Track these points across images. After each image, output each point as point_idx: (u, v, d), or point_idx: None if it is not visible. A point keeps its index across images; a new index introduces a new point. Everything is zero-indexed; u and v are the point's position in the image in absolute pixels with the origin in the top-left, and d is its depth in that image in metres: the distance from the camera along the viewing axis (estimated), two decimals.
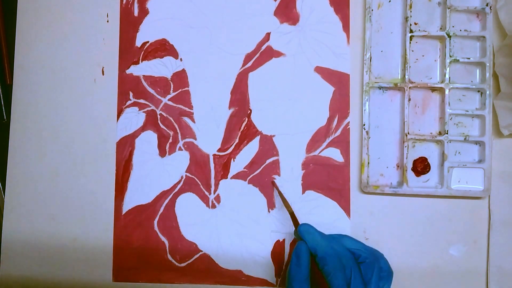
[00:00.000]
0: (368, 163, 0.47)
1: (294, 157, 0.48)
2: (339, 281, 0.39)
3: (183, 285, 0.48)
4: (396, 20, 0.48)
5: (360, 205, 0.47)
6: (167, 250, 0.48)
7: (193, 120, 0.49)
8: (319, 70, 0.49)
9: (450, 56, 0.47)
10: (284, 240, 0.48)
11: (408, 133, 0.47)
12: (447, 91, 0.46)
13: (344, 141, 0.48)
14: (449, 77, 0.47)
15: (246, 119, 0.49)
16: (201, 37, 0.49)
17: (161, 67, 0.50)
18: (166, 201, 0.49)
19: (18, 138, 0.50)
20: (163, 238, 0.49)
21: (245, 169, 0.48)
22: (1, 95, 0.51)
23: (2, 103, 0.51)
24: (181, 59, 0.50)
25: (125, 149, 0.49)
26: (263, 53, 0.49)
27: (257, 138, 0.49)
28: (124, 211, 0.49)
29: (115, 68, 0.50)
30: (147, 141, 0.49)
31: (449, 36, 0.47)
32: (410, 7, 0.47)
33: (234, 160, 0.49)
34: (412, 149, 0.48)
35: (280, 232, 0.48)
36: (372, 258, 0.41)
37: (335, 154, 0.48)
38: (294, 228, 0.44)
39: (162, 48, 0.50)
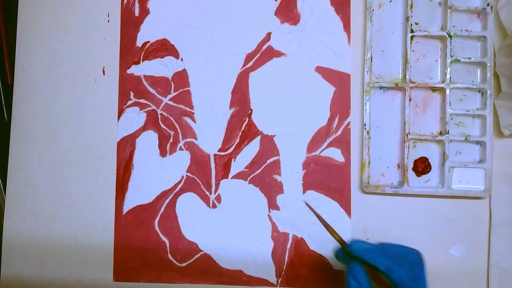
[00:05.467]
0: (369, 163, 0.47)
1: (294, 157, 0.48)
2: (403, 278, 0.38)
3: (184, 285, 0.48)
4: (397, 20, 0.48)
5: (360, 205, 0.47)
6: (168, 250, 0.48)
7: (193, 120, 0.49)
8: (320, 70, 0.49)
9: (451, 56, 0.47)
10: (284, 240, 0.48)
11: (409, 133, 0.47)
12: (448, 91, 0.46)
13: (345, 141, 0.48)
14: (450, 77, 0.47)
15: (247, 119, 0.49)
16: (202, 37, 0.49)
17: (162, 67, 0.50)
18: (167, 201, 0.49)
19: (19, 137, 0.50)
20: (163, 238, 0.49)
21: (245, 169, 0.48)
22: (2, 95, 0.51)
23: (3, 103, 0.51)
24: (181, 59, 0.50)
25: (125, 149, 0.49)
26: (263, 53, 0.49)
27: (258, 138, 0.49)
28: (124, 211, 0.49)
29: (116, 68, 0.50)
30: (148, 141, 0.49)
31: (450, 36, 0.47)
32: (411, 7, 0.47)
33: (234, 160, 0.49)
34: (413, 149, 0.47)
35: (281, 232, 0.48)
36: (418, 257, 0.41)
37: (335, 154, 0.48)
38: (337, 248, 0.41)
39: (163, 48, 0.50)
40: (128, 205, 0.49)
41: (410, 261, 0.40)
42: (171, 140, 0.49)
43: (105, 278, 0.49)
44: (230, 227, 0.48)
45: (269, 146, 0.48)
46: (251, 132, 0.49)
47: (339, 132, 0.48)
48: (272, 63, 0.49)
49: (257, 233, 0.48)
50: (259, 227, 0.48)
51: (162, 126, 0.49)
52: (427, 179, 0.47)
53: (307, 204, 0.43)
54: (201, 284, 0.48)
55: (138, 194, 0.49)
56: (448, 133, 0.46)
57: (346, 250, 0.40)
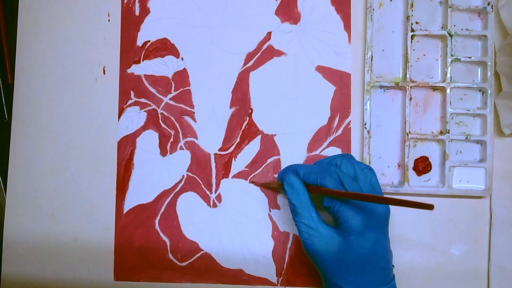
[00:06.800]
0: (369, 162, 0.47)
1: (295, 156, 0.48)
2: (331, 181, 0.39)
3: (184, 284, 0.48)
4: (397, 19, 0.48)
5: None
6: (168, 249, 0.48)
7: (194, 119, 0.49)
8: (320, 69, 0.48)
9: (452, 55, 0.47)
10: (285, 239, 0.48)
11: (409, 132, 0.47)
12: (448, 90, 0.46)
13: (345, 141, 0.48)
14: (451, 76, 0.47)
15: (247, 118, 0.49)
16: (202, 36, 0.49)
17: (162, 66, 0.50)
18: (167, 200, 0.49)
19: (19, 137, 0.50)
20: (164, 237, 0.49)
21: (246, 168, 0.48)
22: (2, 94, 0.51)
23: (4, 102, 0.51)
24: (182, 58, 0.50)
25: (126, 149, 0.49)
26: (264, 53, 0.49)
27: (258, 137, 0.49)
28: (125, 210, 0.49)
29: (116, 67, 0.50)
30: (148, 140, 0.49)
31: (451, 35, 0.47)
32: (412, 6, 0.47)
33: (235, 159, 0.49)
34: (413, 148, 0.47)
35: (281, 231, 0.48)
36: (346, 158, 0.42)
37: (336, 154, 0.48)
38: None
39: (163, 47, 0.50)
40: (128, 205, 0.49)
41: (335, 162, 0.42)
42: (171, 140, 0.49)
43: (105, 277, 0.49)
44: (231, 226, 0.48)
45: (269, 146, 0.48)
46: (251, 131, 0.49)
47: (339, 132, 0.48)
48: (272, 62, 0.49)
49: (257, 233, 0.48)
50: (260, 226, 0.48)
51: (163, 125, 0.49)
52: (427, 179, 0.47)
53: (253, 183, 0.48)
54: (202, 284, 0.48)
55: (139, 194, 0.49)
56: (448, 133, 0.46)
57: (281, 186, 0.43)
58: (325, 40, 0.49)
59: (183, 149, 0.49)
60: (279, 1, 0.49)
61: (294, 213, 0.41)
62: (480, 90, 0.47)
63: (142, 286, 0.49)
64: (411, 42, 0.47)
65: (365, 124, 0.47)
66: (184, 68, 0.49)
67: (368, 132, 0.47)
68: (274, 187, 0.47)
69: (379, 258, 0.40)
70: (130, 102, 0.50)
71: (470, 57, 0.46)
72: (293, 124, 0.48)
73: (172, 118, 0.49)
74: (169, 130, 0.49)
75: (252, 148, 0.49)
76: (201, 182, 0.49)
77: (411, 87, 0.47)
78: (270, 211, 0.48)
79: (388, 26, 0.48)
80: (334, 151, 0.48)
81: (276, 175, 0.48)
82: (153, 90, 0.50)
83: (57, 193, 0.50)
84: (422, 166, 0.47)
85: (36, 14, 0.51)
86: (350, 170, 0.41)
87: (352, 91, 0.48)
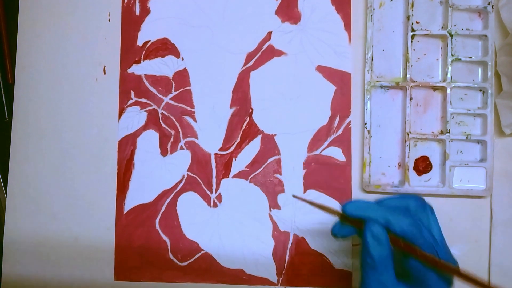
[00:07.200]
0: (370, 162, 0.47)
1: (295, 156, 0.48)
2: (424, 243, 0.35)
3: (185, 284, 0.48)
4: (398, 19, 0.48)
5: None
6: (169, 249, 0.48)
7: (194, 119, 0.49)
8: (321, 69, 0.48)
9: (452, 55, 0.47)
10: (285, 239, 0.48)
11: (410, 132, 0.47)
12: (448, 90, 0.46)
13: (346, 140, 0.48)
14: (451, 76, 0.47)
15: (248, 118, 0.49)
16: (203, 36, 0.49)
17: (162, 66, 0.50)
18: (168, 200, 0.49)
19: (19, 137, 0.50)
20: (164, 237, 0.49)
21: (246, 168, 0.48)
22: (2, 94, 0.51)
23: (4, 102, 0.51)
24: (182, 58, 0.50)
25: (126, 148, 0.49)
26: (264, 52, 0.49)
27: (259, 137, 0.49)
28: (125, 210, 0.49)
29: (116, 67, 0.50)
30: (149, 140, 0.49)
31: (451, 35, 0.47)
32: (412, 6, 0.47)
33: (235, 159, 0.49)
34: (414, 148, 0.47)
35: (282, 231, 0.48)
36: (420, 203, 0.37)
37: (336, 153, 0.48)
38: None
39: (164, 47, 0.50)
40: (129, 204, 0.49)
41: (409, 208, 0.37)
42: (172, 139, 0.49)
43: (106, 277, 0.49)
44: (231, 226, 0.48)
45: (270, 145, 0.48)
46: (252, 131, 0.49)
47: (340, 131, 0.48)
48: (272, 62, 0.49)
49: (258, 232, 0.48)
50: (260, 226, 0.48)
51: (163, 125, 0.49)
52: (428, 178, 0.47)
53: (295, 197, 0.46)
54: (202, 283, 0.48)
55: (139, 193, 0.49)
56: (449, 132, 0.46)
57: (343, 217, 0.37)
58: (326, 40, 0.49)
59: (183, 149, 0.49)
60: (280, 1, 0.49)
61: (369, 267, 0.34)
62: (480, 90, 0.47)
63: (142, 286, 0.49)
64: (412, 42, 0.47)
65: (366, 124, 0.47)
66: (185, 68, 0.49)
67: (369, 132, 0.47)
68: (331, 212, 0.39)
69: None
70: (130, 102, 0.50)
71: (471, 57, 0.46)
72: (293, 124, 0.48)
73: (172, 118, 0.49)
74: (170, 130, 0.49)
75: (253, 148, 0.48)
76: (201, 182, 0.49)
77: (411, 86, 0.47)
78: (270, 211, 0.48)
79: (388, 26, 0.48)
80: (335, 151, 0.48)
81: (276, 175, 0.48)
82: (153, 90, 0.49)
83: (57, 193, 0.50)
84: (423, 166, 0.47)
85: (36, 14, 0.51)
86: (424, 221, 0.37)
87: (353, 91, 0.48)
